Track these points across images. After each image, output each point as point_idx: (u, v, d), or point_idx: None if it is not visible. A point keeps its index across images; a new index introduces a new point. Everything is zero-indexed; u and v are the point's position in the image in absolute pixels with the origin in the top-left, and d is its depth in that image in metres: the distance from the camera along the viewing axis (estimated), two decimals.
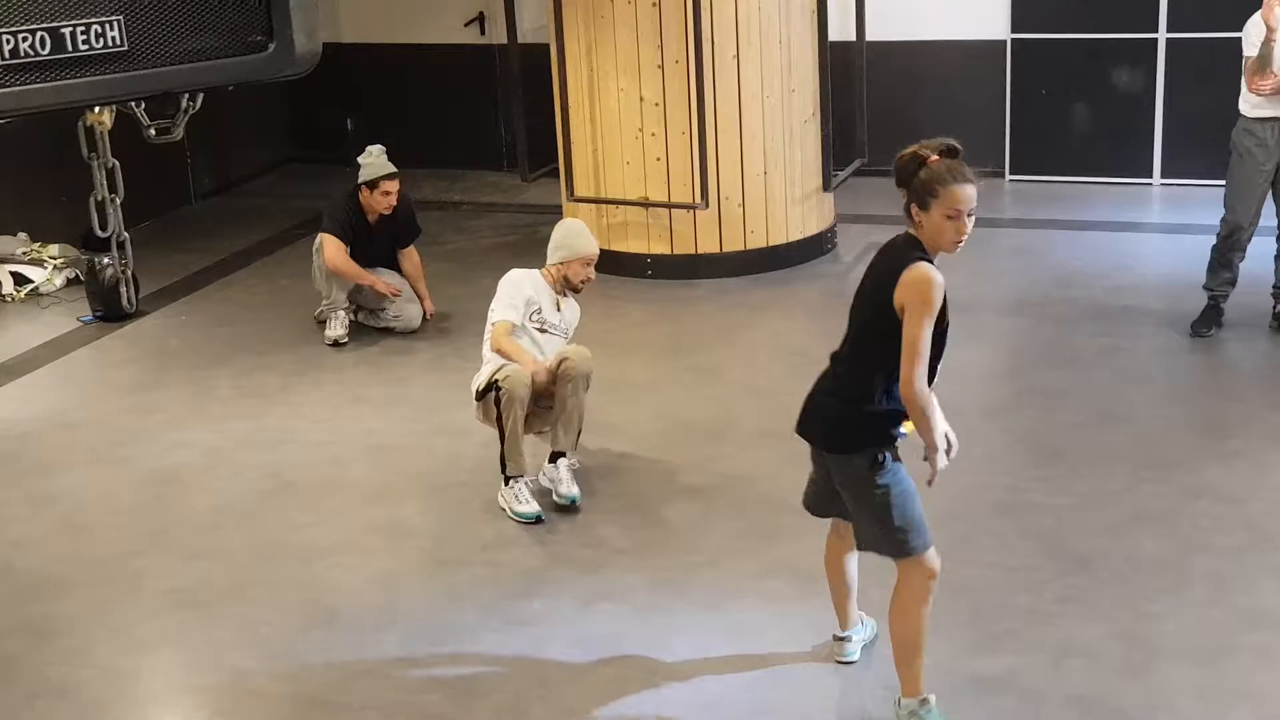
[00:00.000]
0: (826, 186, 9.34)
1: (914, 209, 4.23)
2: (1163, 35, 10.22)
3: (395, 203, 8.09)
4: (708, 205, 8.77)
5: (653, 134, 8.83)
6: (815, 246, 9.31)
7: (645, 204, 8.95)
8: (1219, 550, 5.48)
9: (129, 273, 8.63)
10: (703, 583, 5.45)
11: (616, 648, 5.04)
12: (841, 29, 9.76)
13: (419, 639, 5.16)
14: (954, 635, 4.97)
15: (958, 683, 4.72)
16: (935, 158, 4.22)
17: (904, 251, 4.20)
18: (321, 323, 8.27)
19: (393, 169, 8.06)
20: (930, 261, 4.17)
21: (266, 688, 4.92)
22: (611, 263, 9.15)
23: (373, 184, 8.03)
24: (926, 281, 4.09)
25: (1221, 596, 5.18)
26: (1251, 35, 7.27)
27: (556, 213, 9.72)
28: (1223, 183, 10.80)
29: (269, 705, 4.83)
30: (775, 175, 8.96)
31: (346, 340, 8.11)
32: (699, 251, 8.97)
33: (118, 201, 8.25)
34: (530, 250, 9.79)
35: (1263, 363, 7.26)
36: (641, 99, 8.79)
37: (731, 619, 5.19)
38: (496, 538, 5.87)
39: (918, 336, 4.07)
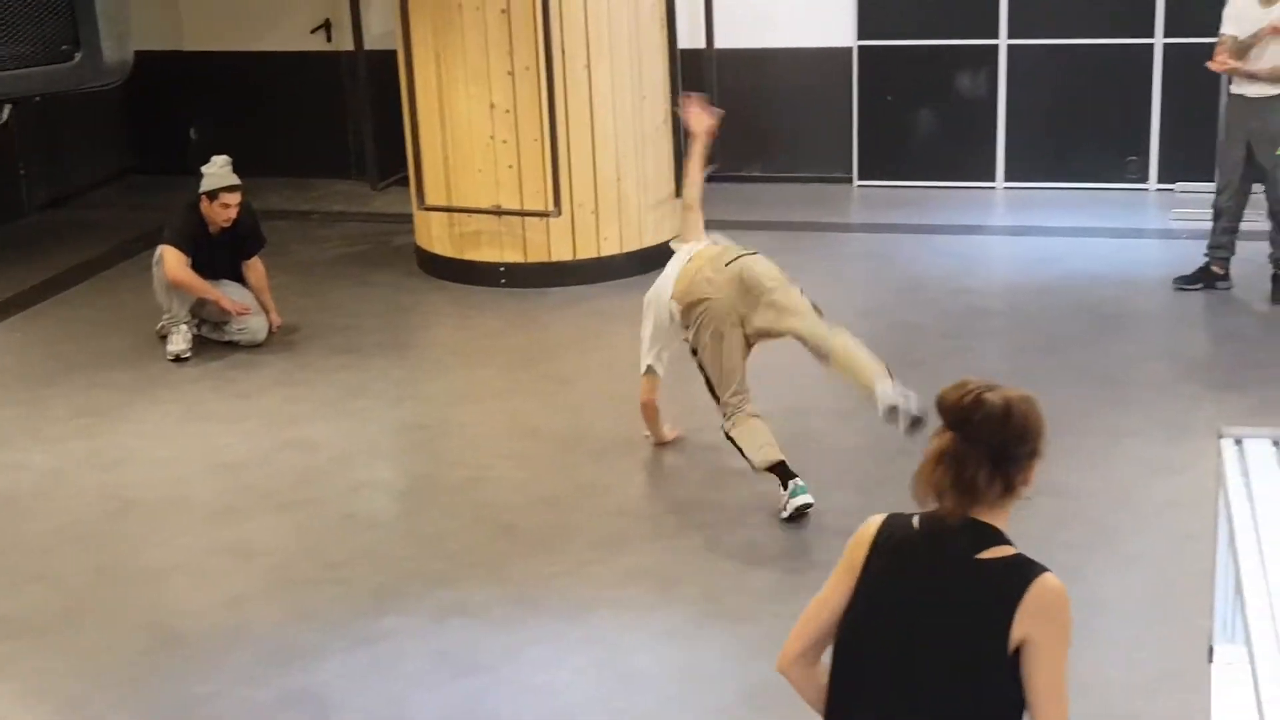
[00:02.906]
0: (679, 193, 9.34)
1: (1008, 479, 2.86)
2: (1004, 41, 10.41)
3: (235, 215, 7.92)
4: (561, 212, 8.73)
5: (504, 141, 8.75)
6: (669, 252, 9.28)
7: (498, 212, 8.87)
8: (1060, 545, 5.54)
9: None
10: (558, 593, 5.40)
11: (472, 662, 4.97)
12: (691, 36, 9.77)
13: (268, 660, 5.03)
14: None
15: None
16: (1017, 393, 2.88)
17: (1011, 562, 2.88)
18: (163, 337, 8.05)
19: (235, 181, 7.89)
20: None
21: (104, 716, 4.75)
22: (465, 272, 9.09)
23: (213, 195, 7.85)
24: (1066, 603, 2.87)
25: (1066, 590, 5.25)
26: (1232, 11, 7.96)
27: (407, 221, 9.61)
28: (1062, 185, 11.12)
29: None
30: (628, 182, 8.94)
31: (189, 355, 7.91)
32: (553, 259, 8.92)
33: None
34: (380, 260, 9.67)
35: (1103, 362, 7.41)
36: (492, 106, 8.71)
37: (588, 629, 5.15)
38: (346, 554, 5.75)
39: (1062, 676, 2.80)
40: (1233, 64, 7.91)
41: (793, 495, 5.74)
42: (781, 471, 5.79)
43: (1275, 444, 3.47)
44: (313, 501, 6.22)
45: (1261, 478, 3.31)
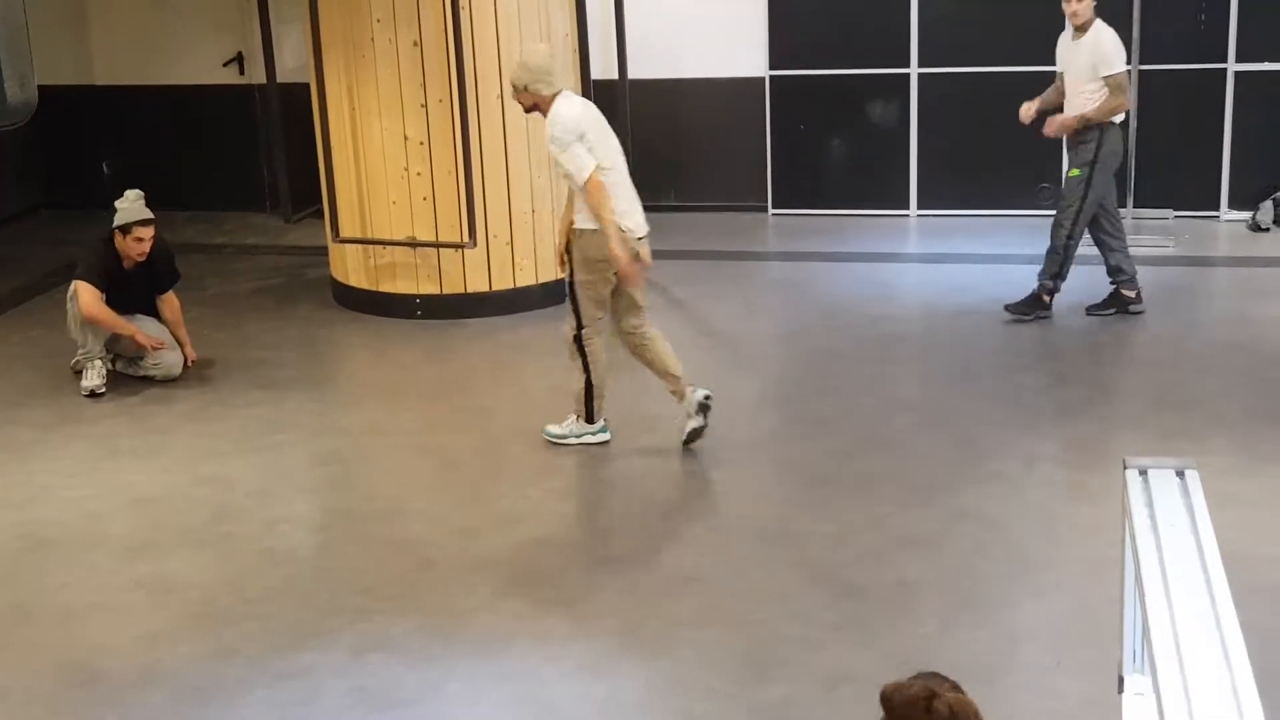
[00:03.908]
0: None
1: None
2: (915, 70, 10.56)
3: (148, 249, 7.86)
4: (476, 244, 8.73)
5: (418, 173, 8.75)
6: None
7: (413, 244, 8.86)
8: (982, 573, 5.64)
9: None
10: (476, 627, 5.39)
11: (391, 697, 4.95)
12: (604, 67, 9.83)
13: (186, 697, 4.98)
14: (727, 666, 5.02)
15: (733, 713, 4.76)
16: (953, 695, 3.08)
17: None
18: (78, 373, 7.96)
19: (148, 215, 7.83)
20: None
21: None
22: (380, 304, 9.06)
23: (126, 229, 7.79)
24: None
25: (987, 618, 5.32)
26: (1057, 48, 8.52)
27: (322, 254, 9.57)
28: (975, 212, 11.25)
29: None
30: (543, 212, 8.95)
31: (104, 390, 7.83)
32: (468, 291, 8.92)
33: None
34: (295, 293, 9.62)
35: (1018, 388, 7.51)
36: (406, 138, 8.71)
37: (505, 663, 5.14)
38: (264, 590, 5.71)
39: None
40: (1033, 112, 8.49)
41: (599, 431, 6.89)
42: (591, 410, 6.85)
43: (1179, 474, 3.52)
44: (230, 537, 6.17)
45: (1165, 509, 3.34)
